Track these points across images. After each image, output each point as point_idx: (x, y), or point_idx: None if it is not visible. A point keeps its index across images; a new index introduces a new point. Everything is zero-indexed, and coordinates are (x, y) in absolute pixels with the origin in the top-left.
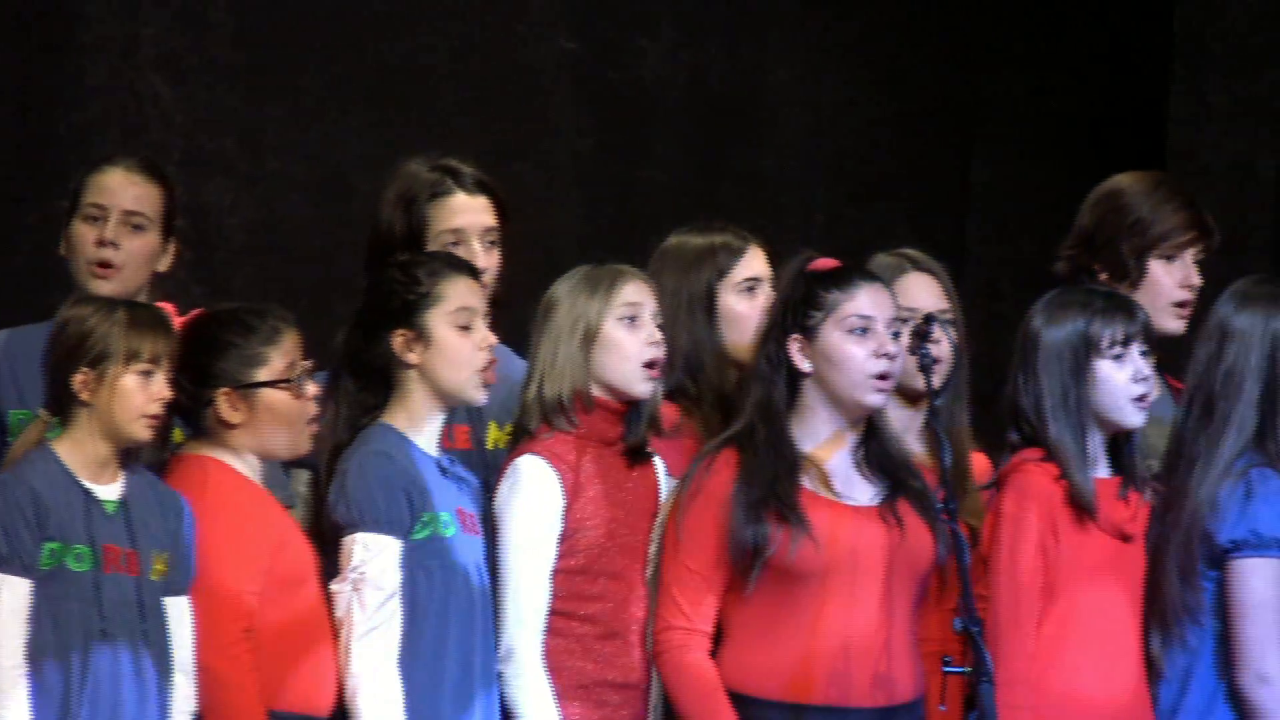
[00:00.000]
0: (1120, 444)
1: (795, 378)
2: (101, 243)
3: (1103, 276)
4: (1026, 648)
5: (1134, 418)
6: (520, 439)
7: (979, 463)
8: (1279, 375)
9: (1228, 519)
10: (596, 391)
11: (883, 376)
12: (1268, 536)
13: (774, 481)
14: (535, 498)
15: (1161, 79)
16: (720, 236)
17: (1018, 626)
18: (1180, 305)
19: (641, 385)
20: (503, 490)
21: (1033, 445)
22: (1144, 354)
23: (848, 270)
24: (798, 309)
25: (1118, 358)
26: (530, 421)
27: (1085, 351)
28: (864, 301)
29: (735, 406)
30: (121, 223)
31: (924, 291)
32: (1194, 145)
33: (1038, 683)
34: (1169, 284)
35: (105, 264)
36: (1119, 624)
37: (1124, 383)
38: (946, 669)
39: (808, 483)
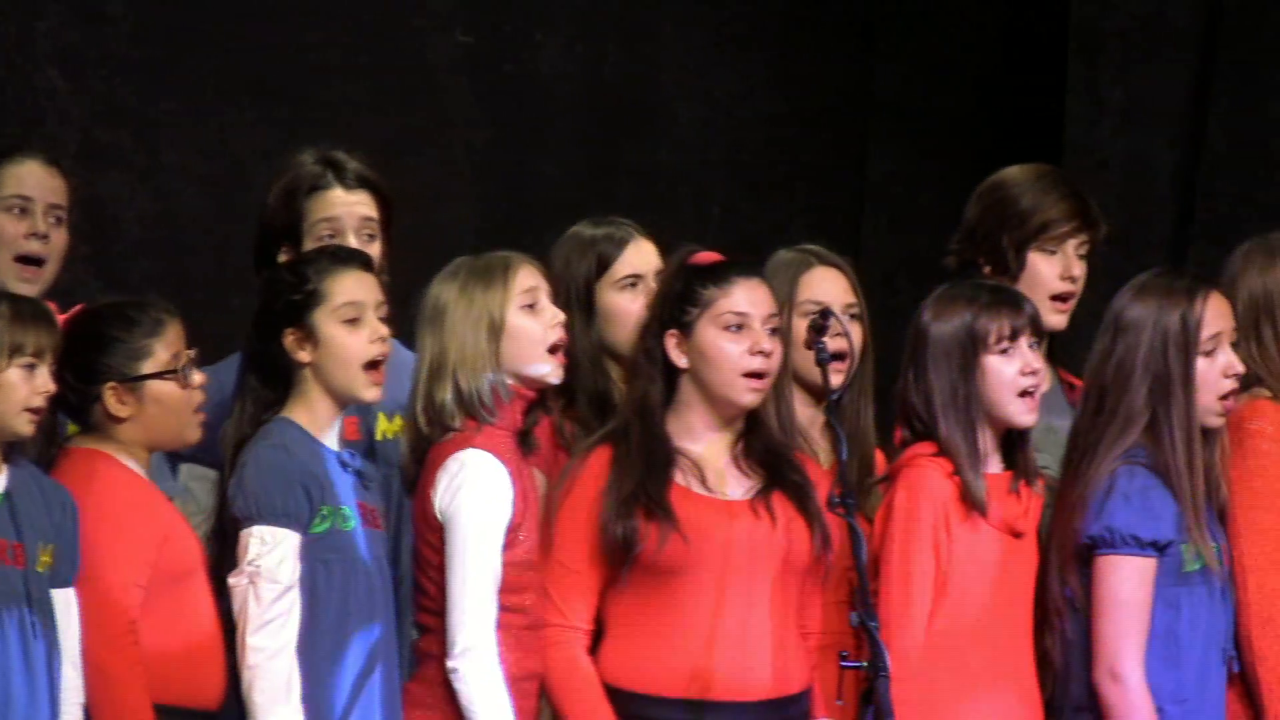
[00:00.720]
0: (1014, 438)
1: (673, 373)
2: (32, 234)
3: (986, 270)
4: (918, 643)
5: (1022, 416)
6: (434, 437)
7: (881, 459)
8: (1170, 368)
9: (1091, 514)
10: (510, 382)
11: (757, 375)
12: (1124, 534)
13: (644, 478)
14: (488, 493)
15: (1058, 75)
16: (604, 230)
17: (909, 622)
18: (1060, 298)
19: (553, 375)
20: (450, 487)
21: (925, 440)
22: (1032, 346)
23: (725, 266)
24: (675, 305)
25: (1005, 352)
26: (453, 420)
27: (972, 347)
28: (740, 298)
29: (611, 404)
30: (46, 214)
31: (831, 286)
32: (1090, 141)
33: (928, 678)
34: (1049, 275)
35: (33, 260)
36: (1010, 620)
37: (1011, 377)
38: (844, 664)
39: (680, 478)
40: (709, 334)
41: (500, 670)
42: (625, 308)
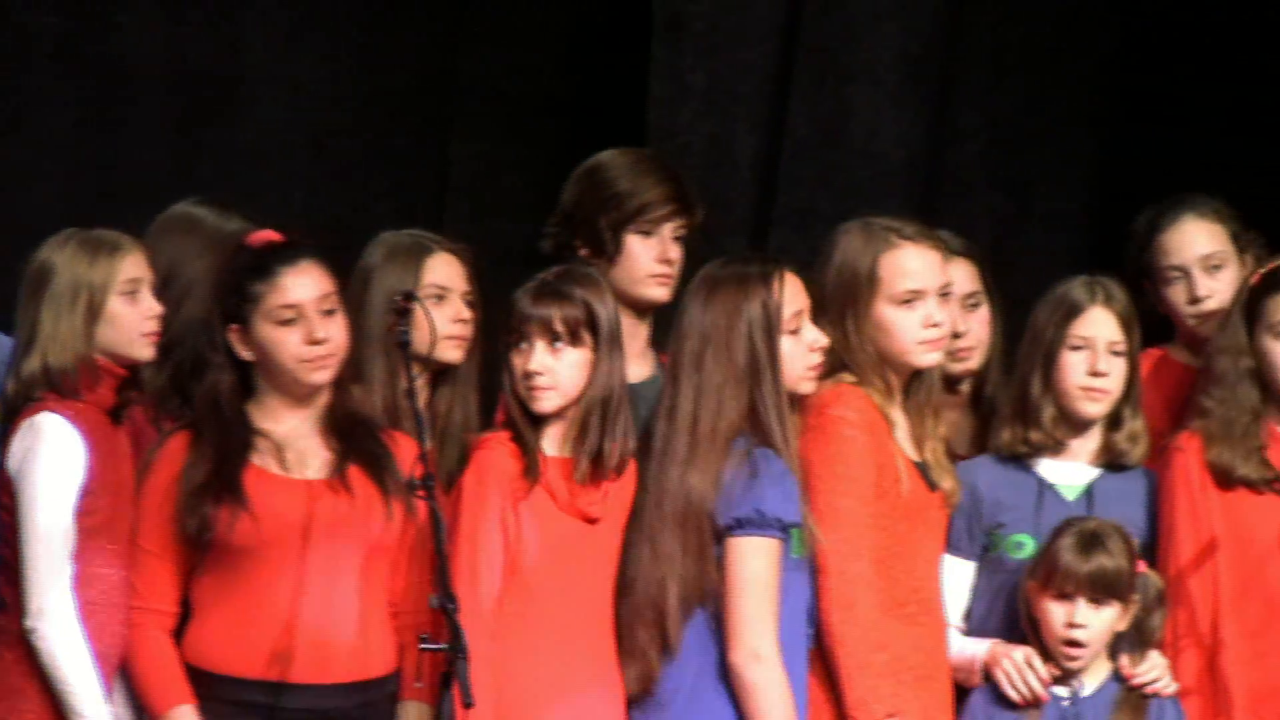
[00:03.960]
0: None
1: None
2: None
3: (583, 251)
4: (487, 625)
5: (540, 405)
6: (21, 408)
7: None
8: (758, 353)
9: (732, 498)
10: (102, 360)
11: (320, 357)
12: (771, 516)
13: (220, 463)
14: (56, 455)
15: (641, 58)
16: (227, 215)
17: (477, 604)
18: (658, 279)
19: (145, 351)
20: (20, 449)
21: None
22: (557, 343)
23: (270, 257)
24: (232, 299)
25: (516, 344)
26: (34, 391)
27: (507, 335)
28: (288, 291)
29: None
30: None
31: (450, 271)
32: (673, 125)
33: (499, 663)
34: (646, 258)
35: None
36: (585, 605)
37: (518, 371)
38: (423, 646)
39: (258, 460)
40: (265, 330)
41: (80, 627)
42: None
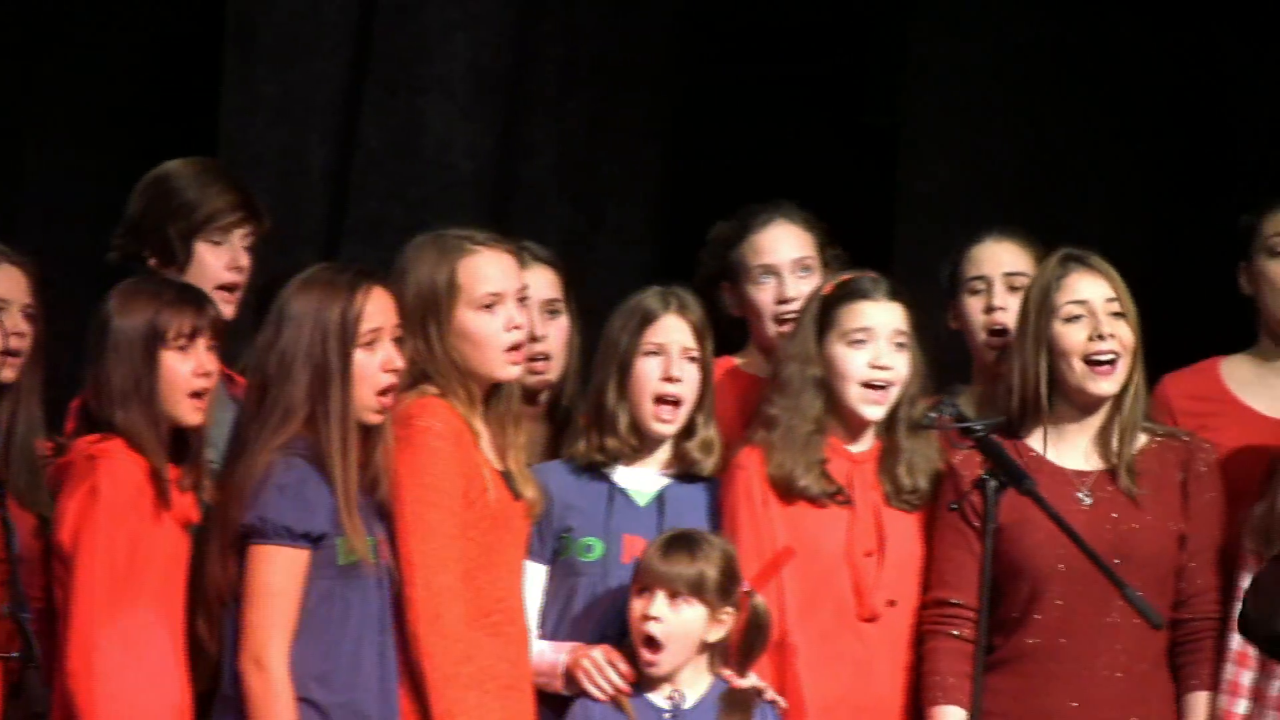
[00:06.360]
0: (185, 434)
1: None
2: None
3: (152, 262)
4: (101, 639)
5: (190, 416)
6: None
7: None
8: (329, 361)
9: (249, 503)
10: None
11: None
12: (277, 525)
13: None
14: None
15: (212, 67)
16: None
17: (94, 618)
18: (227, 288)
19: None
20: None
21: (106, 430)
22: (211, 349)
23: None
24: None
25: (182, 349)
26: None
27: (154, 342)
28: None
29: None
30: None
31: (10, 284)
32: (245, 135)
33: (100, 675)
34: (216, 266)
35: None
36: (179, 612)
37: (185, 376)
38: None
39: None
40: None
41: None
42: None
